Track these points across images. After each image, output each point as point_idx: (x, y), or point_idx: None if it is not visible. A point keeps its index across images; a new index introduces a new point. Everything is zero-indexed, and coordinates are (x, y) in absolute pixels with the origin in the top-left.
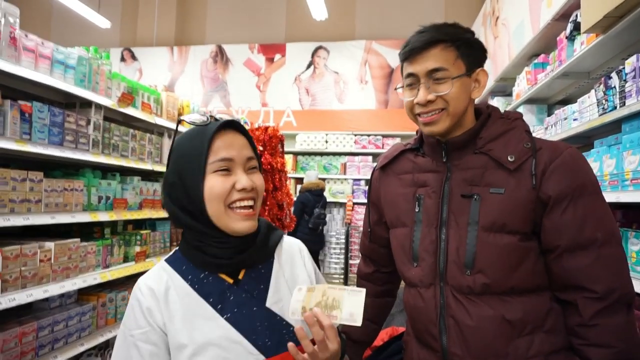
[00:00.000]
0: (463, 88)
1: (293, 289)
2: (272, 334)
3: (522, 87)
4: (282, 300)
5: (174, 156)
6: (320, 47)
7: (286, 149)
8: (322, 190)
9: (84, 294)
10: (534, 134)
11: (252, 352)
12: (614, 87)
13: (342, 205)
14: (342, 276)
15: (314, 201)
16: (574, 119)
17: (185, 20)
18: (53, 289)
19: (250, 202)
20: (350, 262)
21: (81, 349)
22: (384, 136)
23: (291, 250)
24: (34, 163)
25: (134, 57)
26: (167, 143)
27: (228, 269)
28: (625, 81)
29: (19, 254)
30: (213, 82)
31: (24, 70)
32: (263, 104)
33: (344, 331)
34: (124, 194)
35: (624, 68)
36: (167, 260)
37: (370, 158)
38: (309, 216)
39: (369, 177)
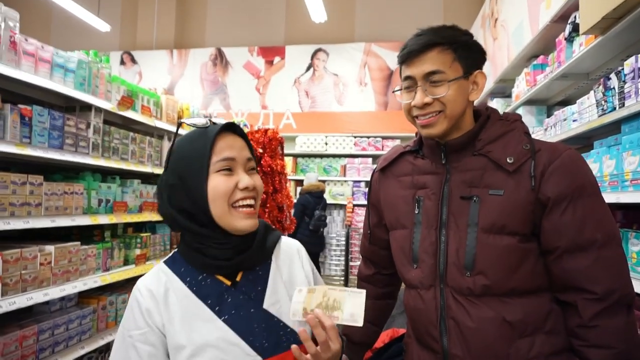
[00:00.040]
0: (460, 90)
1: (291, 291)
2: (270, 335)
3: (522, 88)
4: (279, 301)
5: (174, 158)
6: (319, 50)
7: (286, 151)
8: (322, 192)
9: (84, 297)
10: (533, 135)
11: (249, 354)
12: (613, 88)
13: (342, 207)
14: (343, 278)
15: (314, 203)
16: (574, 120)
17: (184, 23)
18: (53, 292)
19: (252, 201)
20: (351, 264)
21: (82, 352)
22: (383, 138)
23: (289, 251)
24: (34, 166)
25: (133, 61)
26: (167, 146)
27: (227, 271)
28: (625, 82)
29: (19, 258)
30: (213, 84)
31: (24, 74)
32: (263, 106)
33: (344, 333)
34: (124, 197)
35: (622, 69)
36: (165, 262)
37: (370, 160)
38: (310, 218)
39: (368, 178)
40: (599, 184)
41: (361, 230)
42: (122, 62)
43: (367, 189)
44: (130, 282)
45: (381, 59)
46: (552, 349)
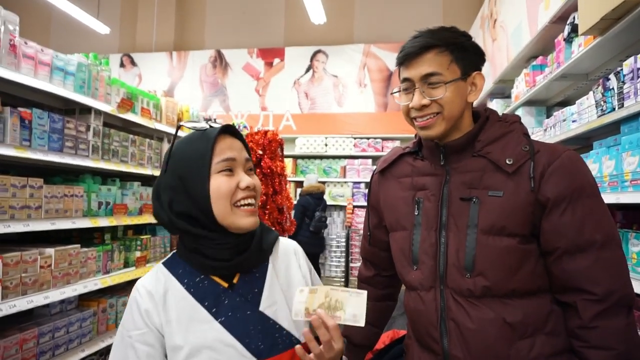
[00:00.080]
0: (458, 92)
1: (287, 292)
2: (265, 337)
3: (521, 89)
4: (276, 304)
5: (173, 160)
6: (319, 51)
7: (286, 152)
8: (323, 193)
9: (84, 299)
10: (533, 136)
11: (244, 355)
12: (612, 88)
13: (342, 208)
14: (343, 279)
15: (314, 204)
16: (573, 121)
17: (184, 25)
18: (53, 295)
19: (253, 200)
20: (351, 265)
21: (82, 355)
22: (383, 139)
23: (286, 252)
24: (34, 169)
25: (133, 63)
26: (166, 148)
27: (224, 272)
28: (624, 82)
29: (19, 261)
30: (212, 86)
31: (23, 77)
32: (262, 108)
33: (345, 334)
34: (124, 199)
35: (621, 70)
36: (164, 264)
37: (369, 161)
38: (310, 219)
39: (368, 180)
40: (599, 185)
41: (361, 232)
42: (122, 65)
43: (367, 190)
44: (131, 284)
45: (380, 60)
46: (552, 350)
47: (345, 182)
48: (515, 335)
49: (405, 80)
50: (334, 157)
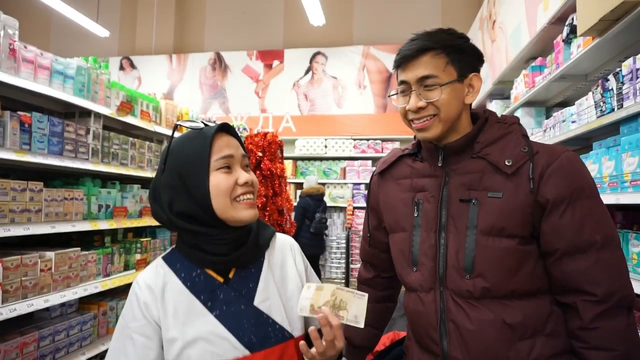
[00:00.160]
0: (454, 94)
1: (282, 287)
2: (258, 330)
3: (520, 90)
4: (269, 299)
5: (172, 158)
6: (318, 53)
7: (285, 154)
8: (323, 194)
9: (84, 302)
10: (532, 137)
11: (238, 348)
12: (612, 89)
13: (342, 209)
14: (344, 281)
15: (314, 206)
16: (572, 122)
17: (183, 28)
18: (54, 299)
19: (251, 195)
20: (351, 266)
21: (82, 358)
22: (383, 140)
23: (282, 248)
24: (33, 173)
25: (132, 66)
26: None
27: (221, 266)
28: (623, 83)
29: (20, 264)
30: (212, 89)
31: (23, 81)
32: (262, 110)
33: (345, 336)
34: (124, 202)
35: (620, 70)
36: (163, 258)
37: (369, 162)
38: (310, 221)
39: (368, 181)
40: (599, 185)
41: (361, 233)
42: (122, 68)
43: (366, 191)
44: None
45: (380, 62)
46: (552, 351)
47: (345, 183)
48: (515, 336)
49: (402, 82)
50: (333, 159)
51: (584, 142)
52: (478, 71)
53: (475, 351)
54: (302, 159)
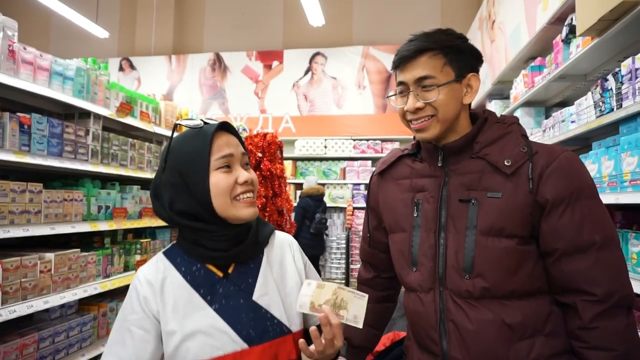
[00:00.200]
0: (452, 94)
1: (280, 283)
2: (256, 325)
3: (520, 90)
4: (268, 294)
5: (172, 156)
6: (317, 54)
7: (285, 154)
8: (322, 195)
9: (84, 304)
10: (532, 137)
11: (236, 341)
12: (611, 89)
13: (342, 210)
14: (344, 281)
15: (314, 206)
16: (572, 121)
17: (183, 28)
18: (53, 300)
19: (251, 194)
20: (352, 266)
21: (82, 359)
22: (382, 140)
23: (281, 245)
24: (33, 174)
25: (132, 67)
26: None
27: (221, 262)
28: (622, 83)
29: (19, 266)
30: (211, 89)
31: (22, 82)
32: (262, 110)
33: (345, 336)
34: (124, 203)
35: (620, 70)
36: (164, 253)
37: (369, 163)
38: (310, 221)
39: (368, 181)
40: (598, 185)
41: (361, 233)
42: (121, 69)
43: (366, 191)
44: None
45: (379, 62)
46: (551, 351)
47: (345, 183)
48: (515, 336)
49: (400, 83)
50: (333, 159)
51: (583, 142)
52: (477, 71)
53: (474, 351)
54: (302, 159)
